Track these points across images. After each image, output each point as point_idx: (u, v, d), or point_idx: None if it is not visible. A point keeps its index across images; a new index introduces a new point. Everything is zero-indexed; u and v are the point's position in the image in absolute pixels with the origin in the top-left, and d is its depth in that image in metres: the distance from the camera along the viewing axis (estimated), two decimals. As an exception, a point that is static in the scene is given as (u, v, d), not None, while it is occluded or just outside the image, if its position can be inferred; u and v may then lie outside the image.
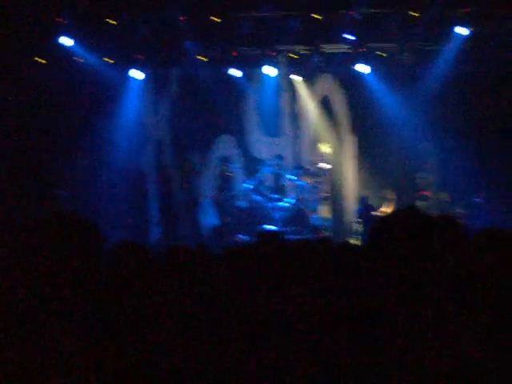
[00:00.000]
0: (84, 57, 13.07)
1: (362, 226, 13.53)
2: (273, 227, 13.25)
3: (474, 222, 11.76)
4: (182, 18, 12.67)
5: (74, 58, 13.07)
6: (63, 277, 2.63)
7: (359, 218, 13.74)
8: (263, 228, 13.14)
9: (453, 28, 12.78)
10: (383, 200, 13.69)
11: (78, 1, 12.27)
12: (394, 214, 2.64)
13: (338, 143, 14.84)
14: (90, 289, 2.69)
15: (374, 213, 13.33)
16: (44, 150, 13.23)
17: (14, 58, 12.44)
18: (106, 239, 2.86)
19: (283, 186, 14.28)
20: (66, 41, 12.71)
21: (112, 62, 13.20)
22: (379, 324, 2.41)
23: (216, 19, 12.66)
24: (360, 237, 13.24)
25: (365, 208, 13.65)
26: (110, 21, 12.60)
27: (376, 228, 2.54)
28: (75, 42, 12.72)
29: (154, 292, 3.33)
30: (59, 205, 12.93)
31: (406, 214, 2.53)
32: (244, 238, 13.05)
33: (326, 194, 14.46)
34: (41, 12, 12.12)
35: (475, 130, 13.74)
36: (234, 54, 13.40)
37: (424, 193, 13.73)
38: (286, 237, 4.36)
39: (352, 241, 12.66)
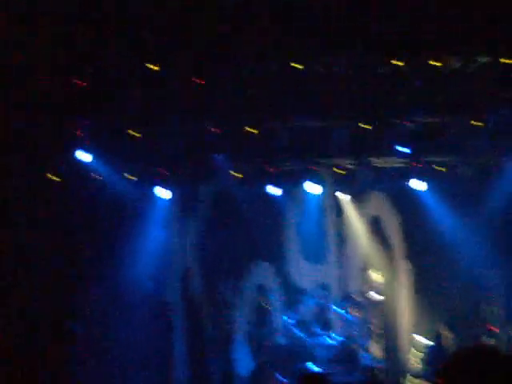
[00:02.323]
0: (103, 173, 11.63)
1: (424, 365, 12.29)
2: (316, 368, 11.99)
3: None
4: (213, 130, 11.30)
5: (92, 175, 11.59)
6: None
7: (429, 356, 12.29)
8: (305, 369, 11.88)
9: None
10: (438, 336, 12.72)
11: (98, 111, 10.93)
12: (462, 352, 2.53)
13: (391, 271, 13.83)
14: None
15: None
16: (57, 275, 11.64)
17: (23, 175, 10.96)
18: None
19: (329, 319, 13.27)
20: (84, 156, 11.30)
21: (134, 178, 11.70)
22: None
23: (252, 130, 11.30)
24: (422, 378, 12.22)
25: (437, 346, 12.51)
26: (133, 132, 11.22)
27: (445, 368, 2.46)
28: (93, 157, 11.29)
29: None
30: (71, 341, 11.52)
31: (475, 353, 2.45)
32: (283, 380, 12.19)
33: (378, 331, 13.36)
34: (57, 124, 10.83)
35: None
36: (271, 170, 11.94)
37: (491, 328, 12.80)
38: (333, 378, 4.03)
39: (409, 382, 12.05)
